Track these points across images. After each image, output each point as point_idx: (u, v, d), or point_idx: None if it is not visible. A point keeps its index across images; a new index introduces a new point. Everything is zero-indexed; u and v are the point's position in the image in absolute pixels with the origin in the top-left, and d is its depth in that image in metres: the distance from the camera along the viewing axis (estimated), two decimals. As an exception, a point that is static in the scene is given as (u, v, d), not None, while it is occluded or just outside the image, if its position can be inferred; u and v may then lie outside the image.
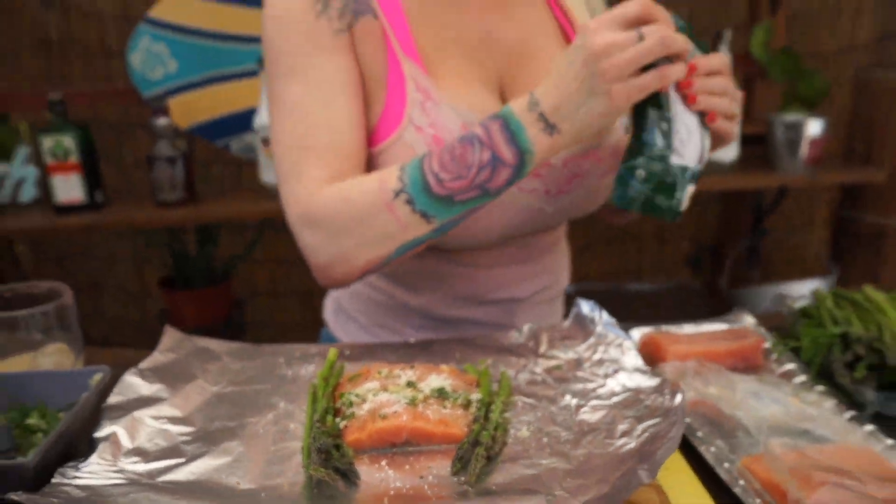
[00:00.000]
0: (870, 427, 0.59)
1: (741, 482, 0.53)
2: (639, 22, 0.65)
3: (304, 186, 0.75)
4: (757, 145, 1.92)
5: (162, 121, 1.70)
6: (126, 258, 2.41)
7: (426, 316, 0.89)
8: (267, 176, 1.76)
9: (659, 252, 2.60)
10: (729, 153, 1.84)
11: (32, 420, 0.61)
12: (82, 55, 2.26)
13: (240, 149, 1.92)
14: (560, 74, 0.67)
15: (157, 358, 0.70)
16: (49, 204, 1.74)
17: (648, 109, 0.67)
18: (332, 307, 0.98)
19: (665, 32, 0.64)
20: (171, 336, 0.74)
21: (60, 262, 2.41)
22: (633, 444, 0.54)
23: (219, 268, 2.06)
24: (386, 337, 0.89)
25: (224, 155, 2.13)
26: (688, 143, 0.67)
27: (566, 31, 0.85)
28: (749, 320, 0.82)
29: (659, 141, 0.67)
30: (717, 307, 1.97)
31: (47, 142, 1.68)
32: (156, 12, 1.80)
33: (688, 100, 0.67)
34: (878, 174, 1.90)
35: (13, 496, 0.48)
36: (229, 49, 1.82)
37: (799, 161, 1.82)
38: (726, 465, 0.55)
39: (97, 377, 0.63)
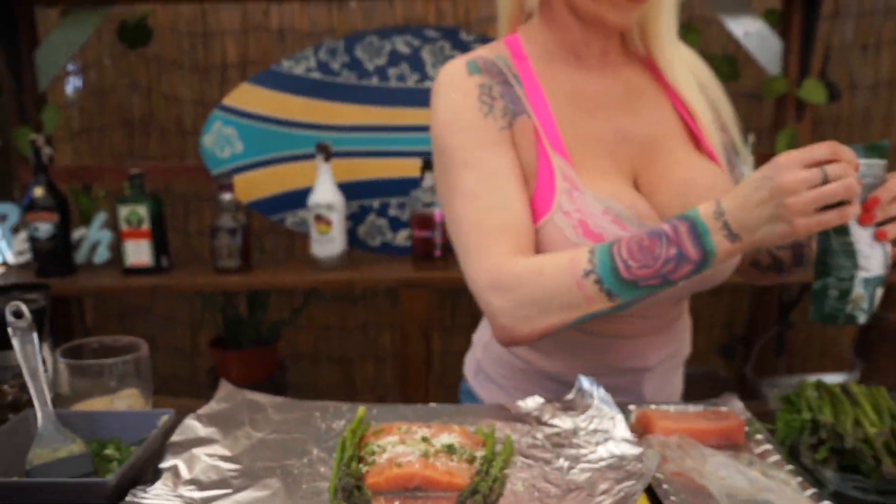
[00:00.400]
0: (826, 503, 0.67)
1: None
2: (825, 161, 0.72)
3: (492, 259, 0.86)
4: (782, 240, 2.00)
5: (226, 195, 1.88)
6: (183, 319, 2.58)
7: (560, 382, 0.98)
8: (316, 249, 1.92)
9: (693, 340, 2.65)
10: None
11: (109, 451, 0.73)
12: (160, 133, 2.50)
13: (293, 223, 2.08)
14: (747, 195, 0.75)
15: (212, 406, 0.83)
16: (119, 266, 1.92)
17: (831, 235, 0.75)
18: (473, 367, 1.10)
19: (848, 178, 0.71)
20: (225, 388, 0.87)
21: (122, 319, 2.60)
22: (608, 501, 0.64)
23: (266, 331, 2.20)
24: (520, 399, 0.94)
25: (278, 227, 2.31)
26: (871, 256, 0.75)
27: (687, 124, 0.98)
28: (738, 404, 0.90)
29: (845, 262, 0.75)
30: (741, 395, 2.01)
31: (123, 210, 1.87)
32: (229, 100, 2.01)
33: (877, 235, 0.76)
34: (901, 273, 1.96)
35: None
36: (290, 134, 2.02)
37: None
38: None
39: (164, 419, 0.75)
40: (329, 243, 1.89)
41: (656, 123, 0.97)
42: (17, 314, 0.76)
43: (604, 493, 0.66)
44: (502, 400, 1.01)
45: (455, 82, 0.93)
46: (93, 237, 2.02)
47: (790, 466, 0.74)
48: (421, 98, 2.00)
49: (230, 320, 2.16)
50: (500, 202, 0.88)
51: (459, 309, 2.53)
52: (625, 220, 0.89)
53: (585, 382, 0.86)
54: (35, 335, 0.76)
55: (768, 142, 2.17)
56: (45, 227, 1.89)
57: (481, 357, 1.07)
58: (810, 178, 0.71)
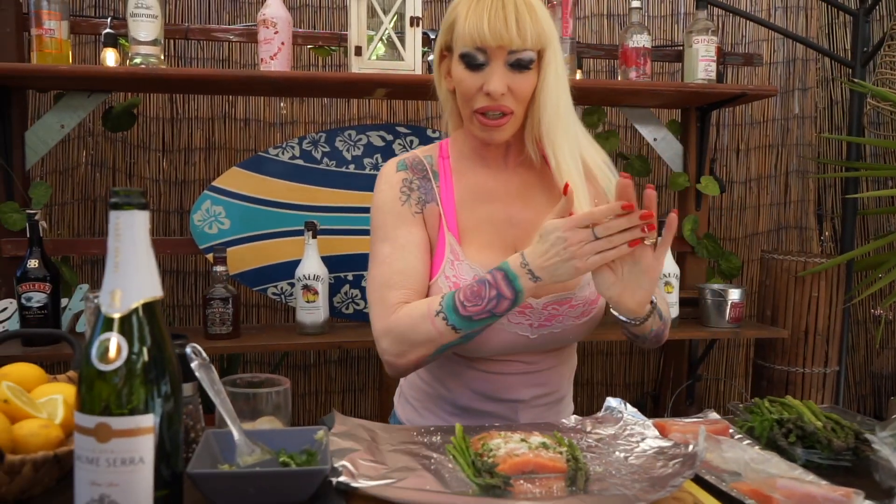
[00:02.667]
0: (801, 469, 0.99)
1: (734, 492, 0.90)
2: (595, 223, 1.01)
3: (386, 309, 1.14)
4: (690, 307, 2.42)
5: (220, 267, 2.05)
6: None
7: (454, 405, 1.25)
8: (302, 316, 2.11)
9: (610, 395, 3.01)
10: (671, 312, 2.32)
11: (283, 458, 0.92)
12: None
13: (273, 293, 2.27)
14: (544, 249, 1.03)
15: (338, 428, 1.03)
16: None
17: None
18: (398, 393, 1.37)
19: (611, 234, 1.00)
20: (339, 417, 1.08)
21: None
22: (669, 470, 0.91)
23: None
24: (430, 417, 1.26)
25: (252, 296, 2.48)
26: None
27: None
28: (715, 415, 1.22)
29: None
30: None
31: (121, 281, 1.99)
32: (218, 182, 2.20)
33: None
34: (782, 332, 2.42)
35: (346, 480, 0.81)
36: (274, 213, 2.23)
37: (724, 320, 2.32)
38: (723, 485, 0.93)
39: (321, 433, 0.96)
40: (315, 311, 2.09)
41: (542, 210, 1.19)
42: (196, 353, 0.95)
43: (662, 466, 0.93)
44: (416, 419, 1.29)
45: (386, 177, 1.24)
46: (75, 307, 2.10)
47: (769, 450, 1.06)
48: (391, 183, 2.29)
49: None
50: (404, 266, 1.17)
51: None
52: None
53: (613, 402, 1.15)
54: (213, 368, 0.95)
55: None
56: (37, 297, 1.96)
57: (403, 384, 1.36)
58: (586, 236, 1.00)
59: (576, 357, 1.34)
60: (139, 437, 0.71)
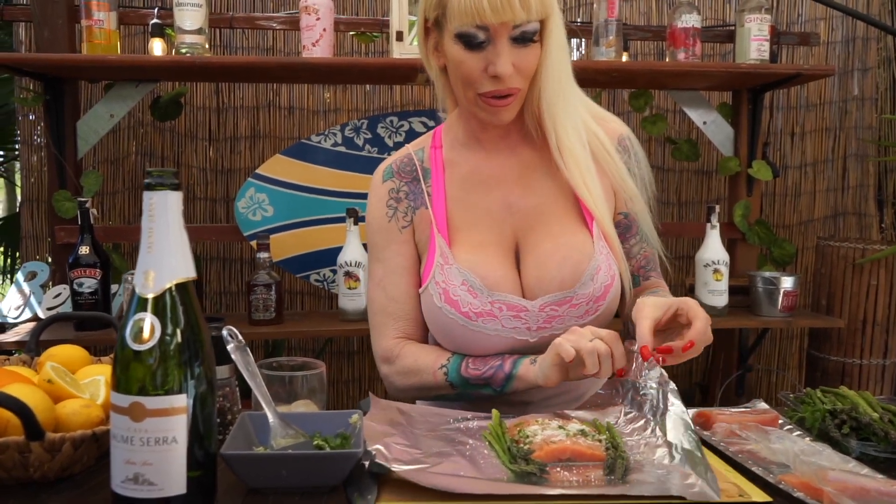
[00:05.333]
0: (855, 462, 0.94)
1: (782, 484, 0.86)
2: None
3: (385, 339, 1.17)
4: (740, 295, 2.34)
5: (263, 254, 2.07)
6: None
7: (468, 402, 1.19)
8: (344, 303, 2.12)
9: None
10: (719, 301, 2.25)
11: (317, 441, 0.92)
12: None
13: (315, 280, 2.28)
14: (548, 361, 1.00)
15: (374, 413, 1.03)
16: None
17: None
18: None
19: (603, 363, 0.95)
20: (376, 402, 1.07)
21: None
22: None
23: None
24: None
25: (294, 283, 2.51)
26: None
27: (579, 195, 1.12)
28: (764, 405, 1.17)
29: None
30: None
31: (168, 267, 2.03)
32: (262, 169, 2.23)
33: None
34: (838, 322, 2.33)
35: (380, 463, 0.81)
36: (317, 200, 2.24)
37: (776, 309, 2.24)
38: (770, 477, 0.89)
39: (356, 417, 0.95)
40: (357, 297, 2.10)
41: (544, 195, 1.13)
42: (232, 336, 0.95)
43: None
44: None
45: (374, 188, 1.21)
46: (125, 294, 2.15)
47: (819, 442, 1.01)
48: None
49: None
50: (396, 295, 1.16)
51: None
52: (476, 290, 1.09)
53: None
54: (249, 351, 0.95)
55: (724, 211, 2.54)
56: (88, 283, 2.01)
57: None
58: (587, 349, 0.95)
59: None
60: (172, 417, 0.72)
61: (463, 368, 1.09)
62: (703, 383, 2.84)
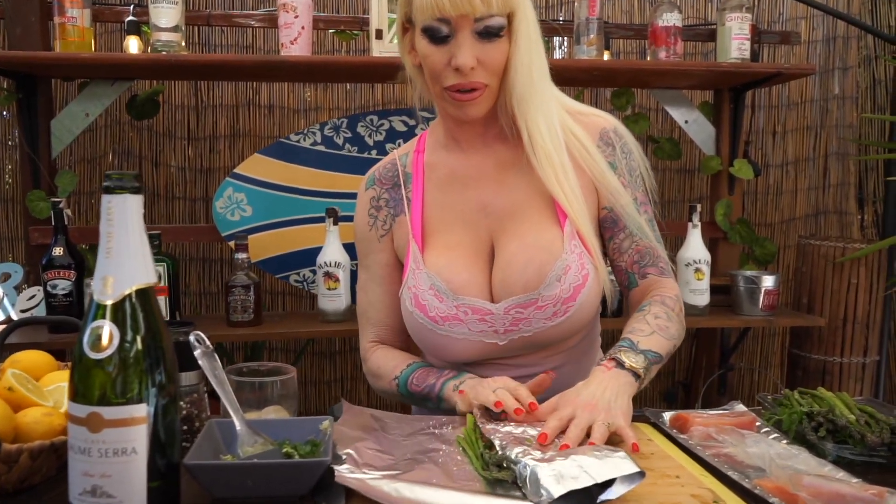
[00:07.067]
0: (831, 465, 0.93)
1: (757, 489, 0.85)
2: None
3: (366, 338, 1.25)
4: (722, 294, 2.34)
5: (242, 255, 2.04)
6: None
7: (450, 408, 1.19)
8: (324, 304, 2.09)
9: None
10: (701, 300, 2.24)
11: (286, 449, 0.90)
12: (149, 199, 2.63)
13: (295, 281, 2.26)
14: (456, 398, 1.05)
15: (346, 418, 1.01)
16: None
17: None
18: None
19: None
20: (347, 406, 1.05)
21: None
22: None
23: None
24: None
25: (276, 284, 2.48)
26: None
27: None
28: (741, 407, 1.16)
29: None
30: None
31: (144, 268, 1.99)
32: (240, 168, 2.20)
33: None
34: (819, 320, 2.33)
35: (343, 473, 0.79)
36: (296, 199, 2.22)
37: (757, 308, 2.24)
38: (746, 482, 0.88)
39: (326, 423, 0.93)
40: (336, 298, 2.08)
41: (519, 194, 1.12)
42: (199, 341, 0.93)
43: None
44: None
45: (359, 196, 1.24)
46: (101, 295, 2.12)
47: (796, 445, 1.00)
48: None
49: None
50: (373, 300, 1.22)
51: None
52: (443, 294, 1.10)
53: None
54: (216, 356, 0.93)
55: (705, 210, 2.54)
56: (62, 285, 1.98)
57: None
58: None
59: (595, 352, 1.24)
60: (132, 428, 0.70)
61: (409, 383, 1.14)
62: (686, 382, 2.85)
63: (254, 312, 2.05)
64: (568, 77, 2.21)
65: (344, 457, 0.87)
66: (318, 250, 2.09)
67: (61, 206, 1.96)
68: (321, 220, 2.15)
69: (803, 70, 2.24)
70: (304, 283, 2.26)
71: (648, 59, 2.25)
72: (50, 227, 2.03)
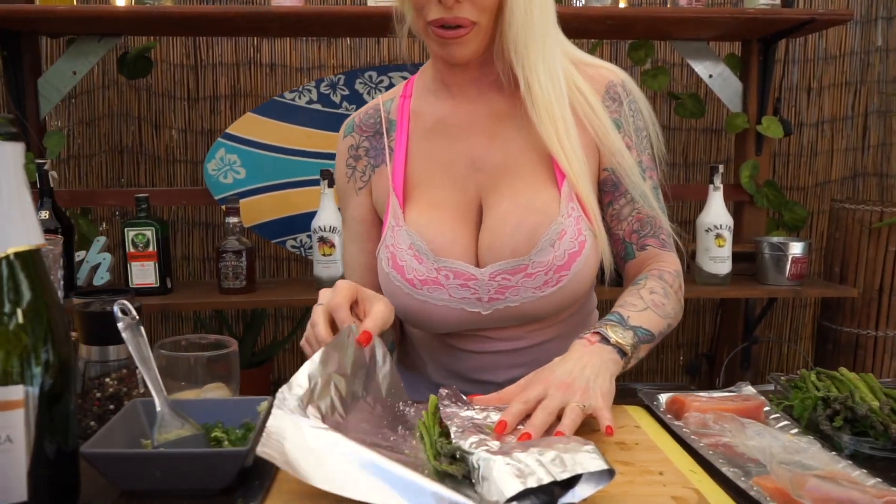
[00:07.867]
0: (846, 462, 0.80)
1: (753, 490, 0.73)
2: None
3: None
4: (746, 262, 2.18)
5: (233, 219, 1.95)
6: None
7: (430, 382, 1.10)
8: (319, 270, 2.00)
9: (657, 359, 2.82)
10: (722, 268, 2.09)
11: (216, 433, 0.80)
12: (150, 161, 2.55)
13: (292, 246, 2.16)
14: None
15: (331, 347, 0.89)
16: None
17: None
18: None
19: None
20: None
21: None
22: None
23: (260, 353, 2.26)
24: (412, 393, 1.03)
25: (281, 250, 2.39)
26: None
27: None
28: (750, 389, 1.03)
29: None
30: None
31: (131, 233, 1.92)
32: (232, 129, 2.09)
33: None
34: (852, 291, 2.16)
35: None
36: (292, 161, 2.11)
37: (784, 277, 2.08)
38: (742, 480, 0.75)
39: (264, 404, 0.83)
40: (332, 264, 1.98)
41: (513, 149, 1.01)
42: (124, 312, 0.83)
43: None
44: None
45: (338, 144, 1.13)
46: (92, 260, 2.05)
47: (809, 436, 0.87)
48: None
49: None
50: (348, 259, 1.14)
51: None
52: (422, 255, 0.99)
53: None
54: (143, 330, 0.83)
55: (731, 172, 2.37)
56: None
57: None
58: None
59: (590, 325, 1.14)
60: (7, 412, 0.60)
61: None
62: (710, 354, 2.70)
63: (246, 279, 1.97)
64: (579, 27, 2.04)
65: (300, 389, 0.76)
66: (314, 214, 1.99)
67: (46, 167, 1.88)
68: (317, 182, 2.04)
69: (841, 16, 2.04)
70: (301, 249, 2.16)
71: (669, 6, 2.07)
72: (36, 190, 1.95)
